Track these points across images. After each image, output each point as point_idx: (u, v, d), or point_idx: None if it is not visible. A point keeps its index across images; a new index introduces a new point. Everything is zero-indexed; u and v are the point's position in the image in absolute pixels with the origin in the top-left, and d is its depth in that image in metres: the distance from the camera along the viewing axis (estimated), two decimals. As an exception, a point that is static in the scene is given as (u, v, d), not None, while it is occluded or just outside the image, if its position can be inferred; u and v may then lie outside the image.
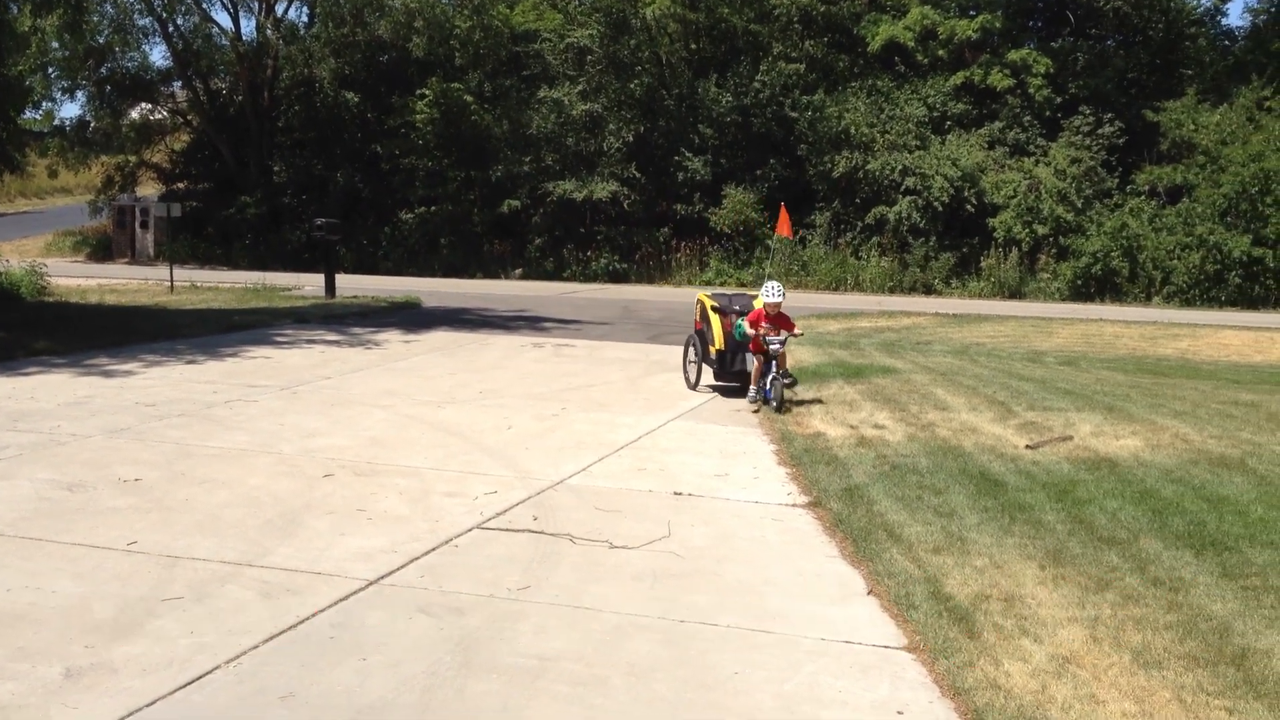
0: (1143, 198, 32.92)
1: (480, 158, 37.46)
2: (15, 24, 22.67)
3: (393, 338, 17.94)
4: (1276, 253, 30.05)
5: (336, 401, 12.02)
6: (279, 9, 41.24)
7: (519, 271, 37.03)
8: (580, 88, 36.93)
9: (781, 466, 9.64)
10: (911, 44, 35.78)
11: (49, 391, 12.12)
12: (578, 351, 17.00)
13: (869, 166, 34.05)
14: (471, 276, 36.00)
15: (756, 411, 12.05)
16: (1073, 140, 33.42)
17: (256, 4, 41.52)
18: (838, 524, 7.79)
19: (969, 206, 33.31)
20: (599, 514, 7.95)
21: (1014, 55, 34.78)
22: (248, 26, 49.63)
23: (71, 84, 40.58)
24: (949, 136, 34.78)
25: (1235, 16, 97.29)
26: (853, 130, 34.47)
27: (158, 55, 77.54)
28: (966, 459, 9.70)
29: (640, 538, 7.38)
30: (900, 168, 33.67)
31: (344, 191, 39.45)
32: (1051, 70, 34.50)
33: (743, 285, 34.17)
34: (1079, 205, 32.72)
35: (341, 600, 6.06)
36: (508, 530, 7.49)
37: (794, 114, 35.55)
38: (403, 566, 6.66)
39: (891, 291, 33.04)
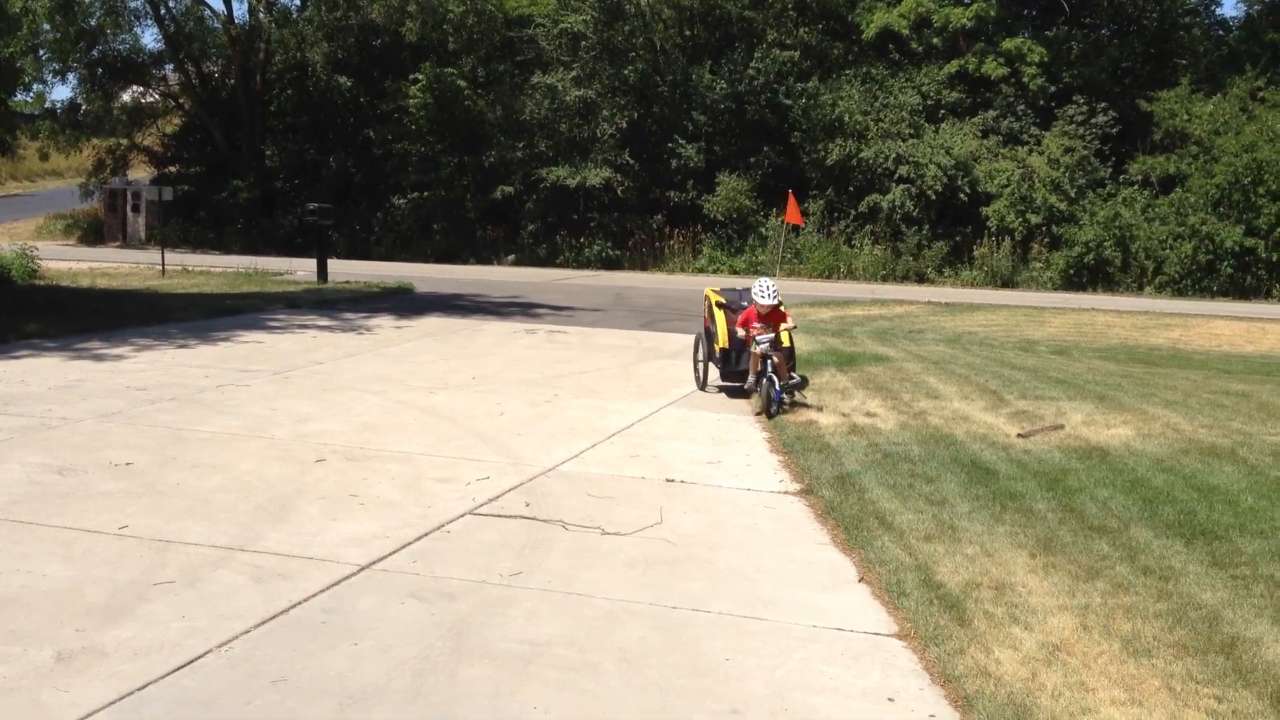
0: (1136, 187, 32.94)
1: (473, 143, 37.37)
2: (7, 5, 22.54)
3: (385, 323, 17.92)
4: (1268, 243, 30.09)
5: (328, 387, 12.01)
6: (272, -8, 41.12)
7: (512, 258, 36.97)
8: (574, 73, 36.84)
9: (774, 454, 9.65)
10: (906, 32, 35.73)
11: (40, 375, 12.09)
12: (570, 338, 17.00)
13: (863, 154, 34.02)
14: (464, 262, 35.95)
15: (757, 412, 11.38)
16: (1066, 129, 33.41)
17: (249, -14, 41.37)
18: (829, 512, 7.80)
19: (962, 195, 33.30)
20: (591, 500, 7.96)
21: (1008, 44, 34.74)
22: (240, 9, 49.58)
23: (63, 66, 40.35)
24: (943, 125, 34.74)
25: (1229, 6, 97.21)
26: (846, 118, 34.43)
27: (149, 38, 76.97)
28: (958, 447, 9.72)
29: (632, 524, 7.38)
30: (894, 156, 33.64)
31: (336, 176, 39.33)
32: (1046, 59, 34.48)
33: (735, 273, 34.16)
34: (1072, 194, 32.72)
35: (333, 585, 6.06)
36: (500, 516, 7.49)
37: (788, 101, 35.49)
38: (395, 552, 6.66)
39: (884, 280, 33.05)
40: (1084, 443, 10.01)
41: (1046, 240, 32.80)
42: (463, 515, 7.47)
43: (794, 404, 11.49)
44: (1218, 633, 5.65)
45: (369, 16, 38.95)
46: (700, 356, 12.88)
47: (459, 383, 12.53)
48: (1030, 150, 33.75)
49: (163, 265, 26.73)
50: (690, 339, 16.70)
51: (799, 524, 7.64)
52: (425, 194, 37.72)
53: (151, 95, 43.82)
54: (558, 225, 36.79)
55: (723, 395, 12.39)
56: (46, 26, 35.85)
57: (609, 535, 7.15)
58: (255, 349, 14.56)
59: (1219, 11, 61.31)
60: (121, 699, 4.67)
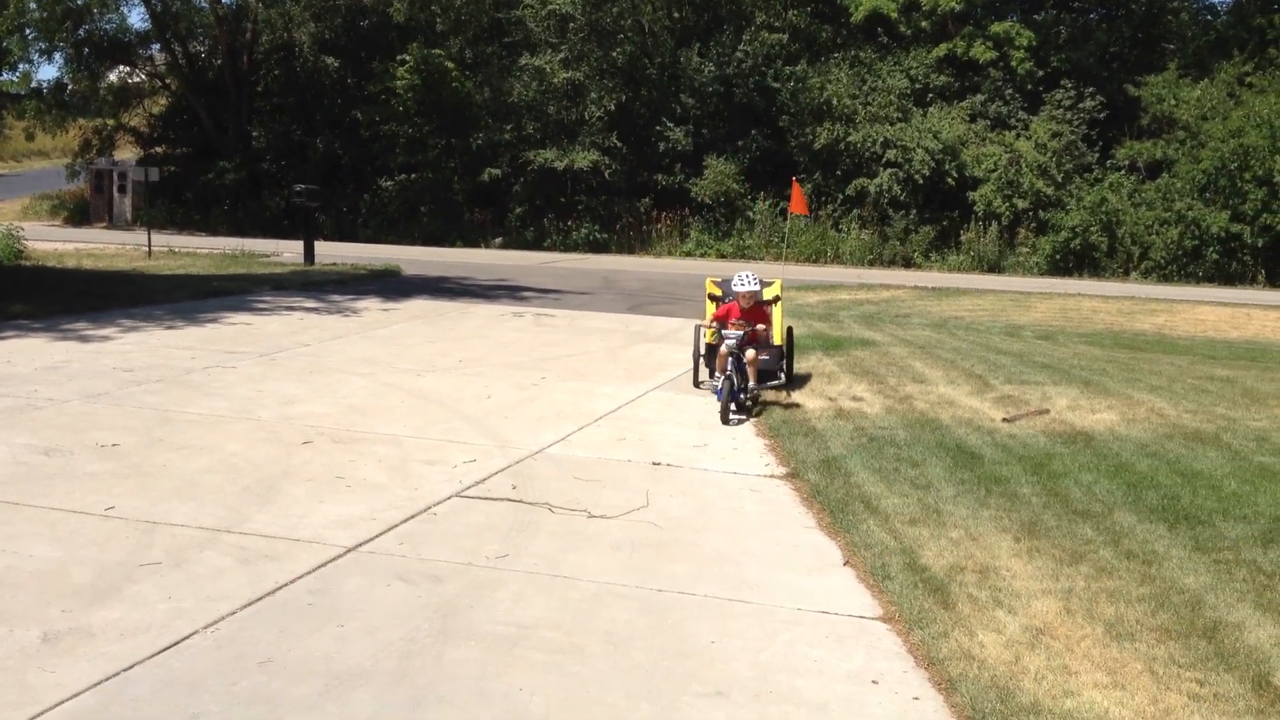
0: (1122, 172, 32.98)
1: (461, 125, 37.24)
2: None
3: (372, 305, 17.89)
4: (1254, 229, 30.17)
5: (315, 369, 11.99)
6: (258, -29, 40.84)
7: (499, 240, 36.89)
8: (562, 55, 36.71)
9: (760, 438, 9.67)
10: (894, 15, 35.67)
11: (25, 356, 12.05)
12: (558, 321, 16.99)
13: (850, 138, 34.00)
14: (451, 245, 35.86)
15: (718, 390, 10.53)
16: (1054, 114, 33.42)
17: (236, -34, 41.12)
18: (815, 495, 7.83)
19: (949, 180, 33.31)
20: (578, 483, 7.97)
21: (997, 28, 34.72)
22: (227, -11, 49.01)
23: (49, 45, 40.08)
24: (930, 109, 34.73)
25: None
26: (834, 102, 34.39)
27: (136, 17, 77.01)
28: (944, 431, 9.76)
29: (619, 507, 7.40)
30: (881, 140, 33.62)
31: (323, 158, 39.18)
32: (1034, 43, 34.46)
33: (723, 257, 34.15)
34: (1059, 179, 32.76)
35: (320, 567, 6.07)
36: (486, 499, 7.50)
37: (776, 84, 35.44)
38: (381, 534, 6.67)
39: (871, 264, 33.07)
40: (1069, 427, 10.05)
41: (1033, 225, 32.85)
42: (449, 498, 7.48)
43: (756, 404, 10.82)
44: (1200, 617, 5.70)
45: (356, -4, 38.78)
46: (702, 350, 11.84)
47: (446, 365, 12.53)
48: (1018, 135, 33.77)
49: (149, 246, 26.62)
50: (678, 323, 16.73)
51: (785, 507, 7.67)
52: (412, 176, 37.60)
53: (138, 75, 43.57)
54: (545, 208, 36.72)
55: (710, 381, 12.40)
56: (33, 5, 35.67)
57: (595, 518, 7.17)
58: (242, 331, 14.53)
59: (1207, -3, 61.23)
60: (108, 679, 4.68)
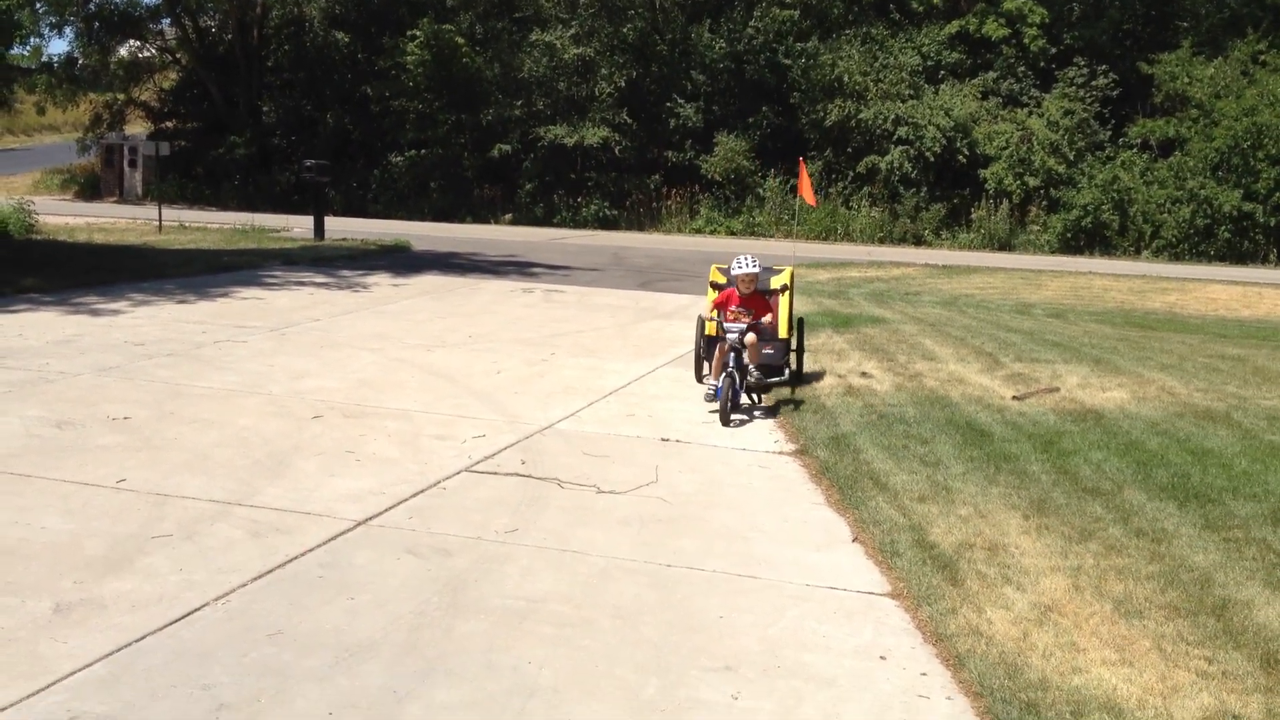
0: (1135, 150, 32.83)
1: (471, 101, 37.16)
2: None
3: (382, 281, 17.89)
4: (1267, 208, 30.04)
5: (325, 343, 12.01)
6: (269, -55, 40.75)
7: (509, 217, 36.86)
8: (572, 31, 36.58)
9: (769, 415, 9.67)
10: (907, -9, 35.52)
11: (37, 329, 12.08)
12: (567, 297, 16.99)
13: (861, 116, 33.86)
14: (461, 221, 35.83)
15: (714, 413, 9.48)
16: (1066, 92, 33.25)
17: (246, -60, 40.99)
18: (824, 472, 7.83)
19: (961, 157, 33.18)
20: (587, 459, 7.98)
21: (1009, 4, 34.50)
22: (237, -37, 48.87)
23: (60, 19, 40.09)
24: (942, 86, 34.57)
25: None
26: (846, 79, 34.24)
27: (146, -9, 76.57)
28: (953, 409, 9.75)
29: (628, 483, 7.41)
30: (893, 117, 33.49)
31: (333, 133, 39.14)
32: (1047, 20, 34.25)
33: (733, 234, 34.09)
34: (1071, 157, 32.62)
35: (330, 540, 6.09)
36: (496, 474, 7.52)
37: (787, 61, 35.29)
38: (391, 508, 6.69)
39: (881, 242, 32.98)
40: (1079, 405, 10.03)
41: (1044, 203, 32.72)
42: (459, 472, 7.50)
43: (768, 391, 10.09)
44: (1209, 595, 5.70)
45: (367, -29, 38.68)
46: (703, 342, 10.56)
47: (456, 341, 12.53)
48: (1030, 112, 33.60)
49: (159, 221, 26.63)
50: (687, 299, 16.71)
51: (794, 484, 7.68)
52: (422, 152, 37.55)
53: (148, 50, 43.56)
54: (555, 184, 36.66)
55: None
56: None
57: (604, 493, 7.18)
58: (252, 305, 14.55)
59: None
60: (119, 650, 4.70)
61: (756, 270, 9.87)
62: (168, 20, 42.77)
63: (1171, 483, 7.64)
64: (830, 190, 34.40)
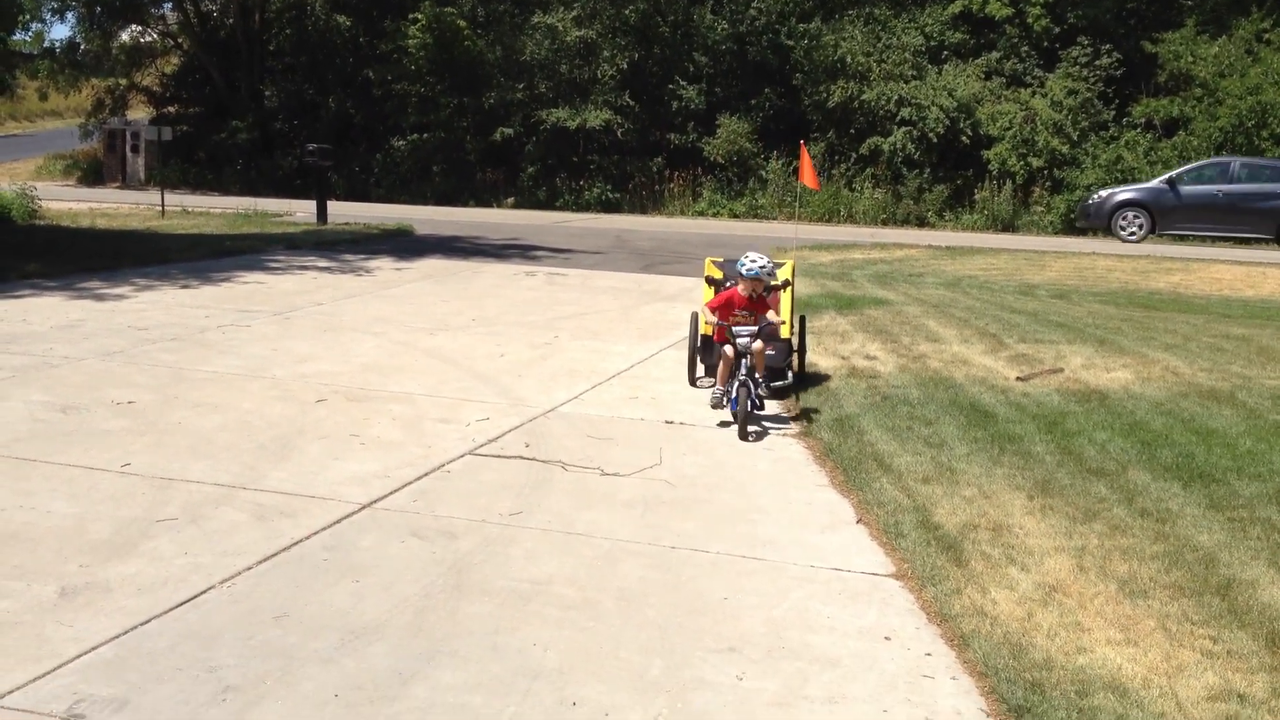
0: (1139, 130, 32.71)
1: (473, 84, 37.06)
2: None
3: (385, 265, 17.88)
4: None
5: (329, 327, 12.01)
6: (269, -72, 40.62)
7: (511, 200, 36.79)
8: (574, 13, 36.43)
9: (773, 396, 9.66)
10: (910, -29, 35.38)
11: (41, 314, 12.09)
12: (570, 280, 16.97)
13: (864, 97, 33.75)
14: (464, 205, 35.76)
15: (722, 414, 8.79)
16: (1070, 71, 33.11)
17: (246, -77, 40.86)
18: (828, 453, 7.83)
19: (964, 138, 33.08)
20: (591, 441, 7.99)
21: (1013, -17, 34.40)
22: (238, -53, 48.72)
23: (61, 4, 40.01)
24: (945, 67, 34.44)
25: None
26: (849, 59, 34.11)
27: (147, -25, 76.36)
28: (957, 390, 9.74)
29: (632, 465, 7.42)
30: (896, 98, 33.37)
31: (336, 117, 39.05)
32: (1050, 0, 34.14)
33: (735, 216, 34.02)
34: (1074, 137, 32.50)
35: (335, 523, 6.10)
36: (500, 456, 7.52)
37: (790, 42, 35.16)
38: (395, 491, 6.69)
39: (884, 224, 32.89)
40: (1083, 386, 10.02)
41: (1048, 184, 32.61)
42: (463, 455, 7.50)
43: (765, 418, 8.87)
44: (1214, 574, 5.70)
45: (368, -46, 38.54)
46: (699, 343, 9.82)
47: (459, 324, 12.53)
48: (1033, 92, 33.46)
49: (162, 206, 26.62)
50: (690, 282, 16.68)
51: (798, 465, 7.68)
52: (425, 136, 37.47)
53: (150, 34, 43.47)
54: (557, 168, 36.58)
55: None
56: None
57: (608, 476, 7.18)
58: (256, 290, 14.55)
59: (1227, -47, 60.48)
60: (125, 633, 4.72)
61: (769, 272, 8.88)
62: (169, 5, 42.66)
63: (1176, 463, 7.64)
64: (833, 172, 34.31)
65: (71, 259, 16.37)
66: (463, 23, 36.67)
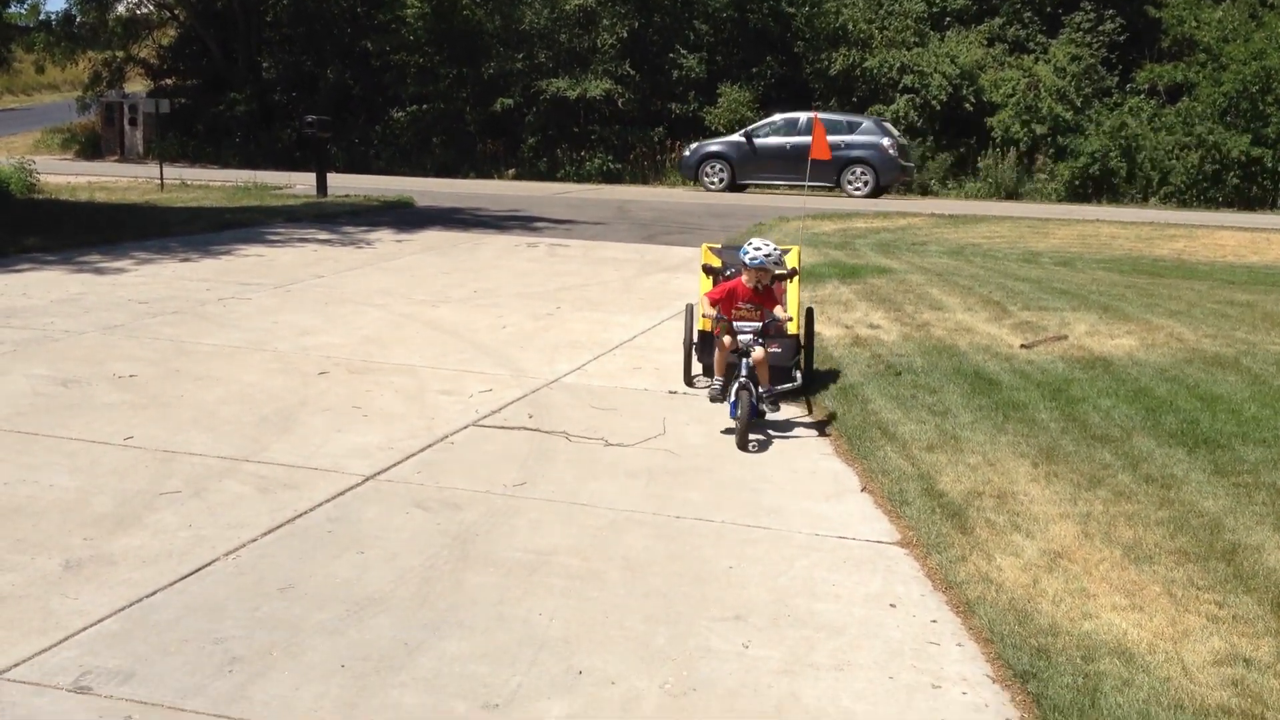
0: (1142, 96, 32.58)
1: (472, 55, 36.89)
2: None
3: (385, 237, 17.83)
4: (1276, 153, 29.83)
5: (330, 300, 11.99)
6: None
7: (512, 172, 36.70)
8: (573, -19, 36.30)
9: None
10: (912, -64, 35.14)
11: (41, 288, 12.06)
12: (572, 251, 16.93)
13: (866, 64, 33.61)
14: (464, 176, 35.67)
15: (720, 408, 7.87)
16: (1073, 37, 32.96)
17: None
18: (832, 422, 7.82)
19: (967, 105, 32.96)
20: (594, 412, 7.97)
21: (1015, -52, 34.20)
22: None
23: (56, -25, 39.80)
24: (948, 33, 34.29)
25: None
26: (850, 26, 33.95)
27: (142, -53, 75.92)
28: (961, 358, 9.72)
29: (636, 435, 7.41)
30: (898, 65, 33.24)
31: (334, 89, 38.91)
32: (1053, -36, 33.97)
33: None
34: (1078, 104, 32.39)
35: (339, 495, 6.09)
36: (503, 428, 7.51)
37: (791, 9, 34.96)
38: (399, 463, 6.68)
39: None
40: (1087, 353, 10.00)
41: (1051, 151, 32.52)
42: (466, 427, 7.49)
43: (777, 408, 7.95)
44: (1219, 539, 5.69)
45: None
46: (694, 338, 8.74)
47: (461, 296, 12.50)
48: (1036, 59, 33.33)
49: (161, 179, 26.54)
50: (692, 252, 16.62)
51: (801, 434, 7.66)
52: (424, 107, 37.34)
53: (146, 6, 43.21)
54: (558, 138, 36.46)
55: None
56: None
57: (612, 446, 7.17)
58: (256, 263, 14.52)
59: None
60: (130, 606, 4.71)
61: (775, 261, 7.72)
62: (165, -25, 42.47)
63: (1180, 429, 7.62)
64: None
65: (71, 233, 16.32)
66: (461, -9, 36.50)
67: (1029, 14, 34.27)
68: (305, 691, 4.09)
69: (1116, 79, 33.16)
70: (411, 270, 14.38)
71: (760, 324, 7.57)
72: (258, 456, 6.69)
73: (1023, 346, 10.24)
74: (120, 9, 42.72)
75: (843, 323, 11.27)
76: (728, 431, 7.49)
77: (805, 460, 7.08)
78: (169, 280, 12.85)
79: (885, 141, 29.79)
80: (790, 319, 8.05)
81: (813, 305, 10.52)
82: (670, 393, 8.57)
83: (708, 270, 8.69)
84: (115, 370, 8.61)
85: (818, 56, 34.42)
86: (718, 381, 7.72)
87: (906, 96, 33.06)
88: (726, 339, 7.57)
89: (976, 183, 32.98)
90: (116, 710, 3.92)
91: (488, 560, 5.30)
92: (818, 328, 10.55)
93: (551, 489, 6.33)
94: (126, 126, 42.40)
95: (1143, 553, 5.52)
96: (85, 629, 4.50)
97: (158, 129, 36.56)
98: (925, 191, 32.99)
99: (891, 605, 5.00)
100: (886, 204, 28.20)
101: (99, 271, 13.31)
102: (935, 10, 34.78)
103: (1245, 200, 30.23)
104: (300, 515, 5.78)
